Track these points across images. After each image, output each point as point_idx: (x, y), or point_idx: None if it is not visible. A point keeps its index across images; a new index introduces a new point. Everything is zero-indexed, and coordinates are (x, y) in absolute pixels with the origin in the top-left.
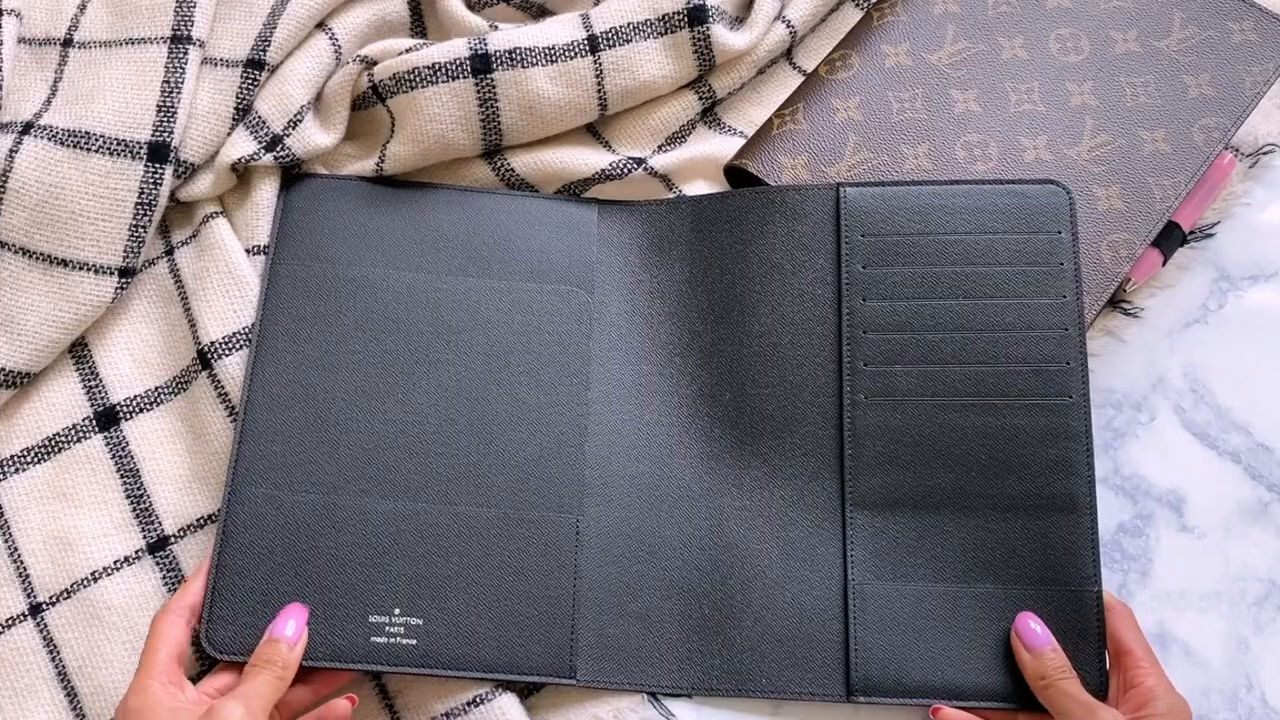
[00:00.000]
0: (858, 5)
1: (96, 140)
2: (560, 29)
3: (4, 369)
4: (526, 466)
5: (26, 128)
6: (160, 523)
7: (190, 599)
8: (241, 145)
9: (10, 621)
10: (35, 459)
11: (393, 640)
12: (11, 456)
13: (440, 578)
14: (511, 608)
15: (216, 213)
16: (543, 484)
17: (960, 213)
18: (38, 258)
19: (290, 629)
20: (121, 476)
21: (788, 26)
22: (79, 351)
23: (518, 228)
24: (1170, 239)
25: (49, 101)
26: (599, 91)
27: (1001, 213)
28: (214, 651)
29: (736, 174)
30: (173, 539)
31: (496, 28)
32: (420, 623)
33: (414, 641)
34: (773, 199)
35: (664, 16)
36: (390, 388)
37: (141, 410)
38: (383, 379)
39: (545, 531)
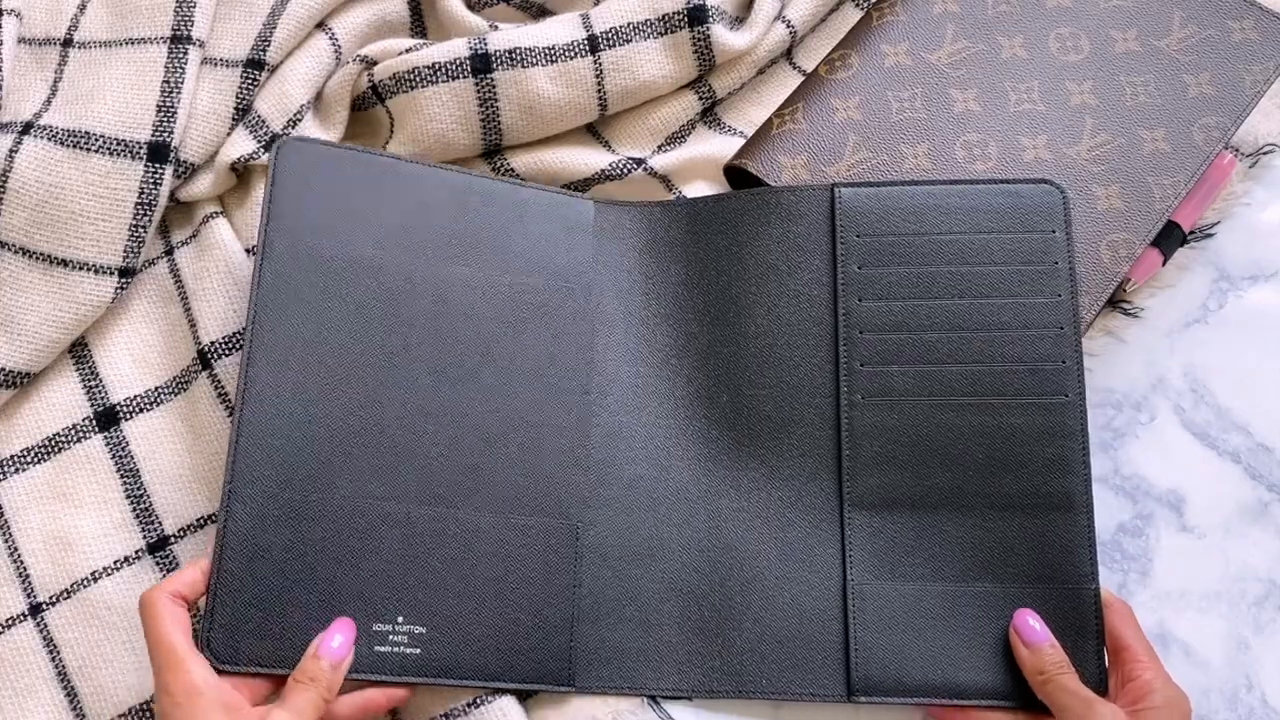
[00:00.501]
0: (858, 5)
1: (96, 140)
2: (560, 29)
3: (4, 369)
4: (523, 471)
5: (26, 128)
6: (160, 523)
7: (181, 586)
8: (241, 145)
9: (10, 621)
10: (35, 459)
11: (396, 649)
12: (11, 456)
13: (441, 584)
14: (511, 615)
15: (216, 213)
16: (540, 489)
17: (955, 212)
18: (38, 258)
19: (336, 643)
20: (121, 476)
21: (788, 26)
22: (79, 351)
23: (516, 219)
24: (1170, 239)
25: (49, 101)
26: (599, 91)
27: (996, 212)
28: (218, 664)
29: (736, 174)
30: (173, 539)
31: (496, 28)
32: (424, 631)
33: (418, 650)
34: (768, 200)
35: (664, 16)
36: (387, 383)
37: (141, 410)
38: (378, 374)
39: (543, 537)
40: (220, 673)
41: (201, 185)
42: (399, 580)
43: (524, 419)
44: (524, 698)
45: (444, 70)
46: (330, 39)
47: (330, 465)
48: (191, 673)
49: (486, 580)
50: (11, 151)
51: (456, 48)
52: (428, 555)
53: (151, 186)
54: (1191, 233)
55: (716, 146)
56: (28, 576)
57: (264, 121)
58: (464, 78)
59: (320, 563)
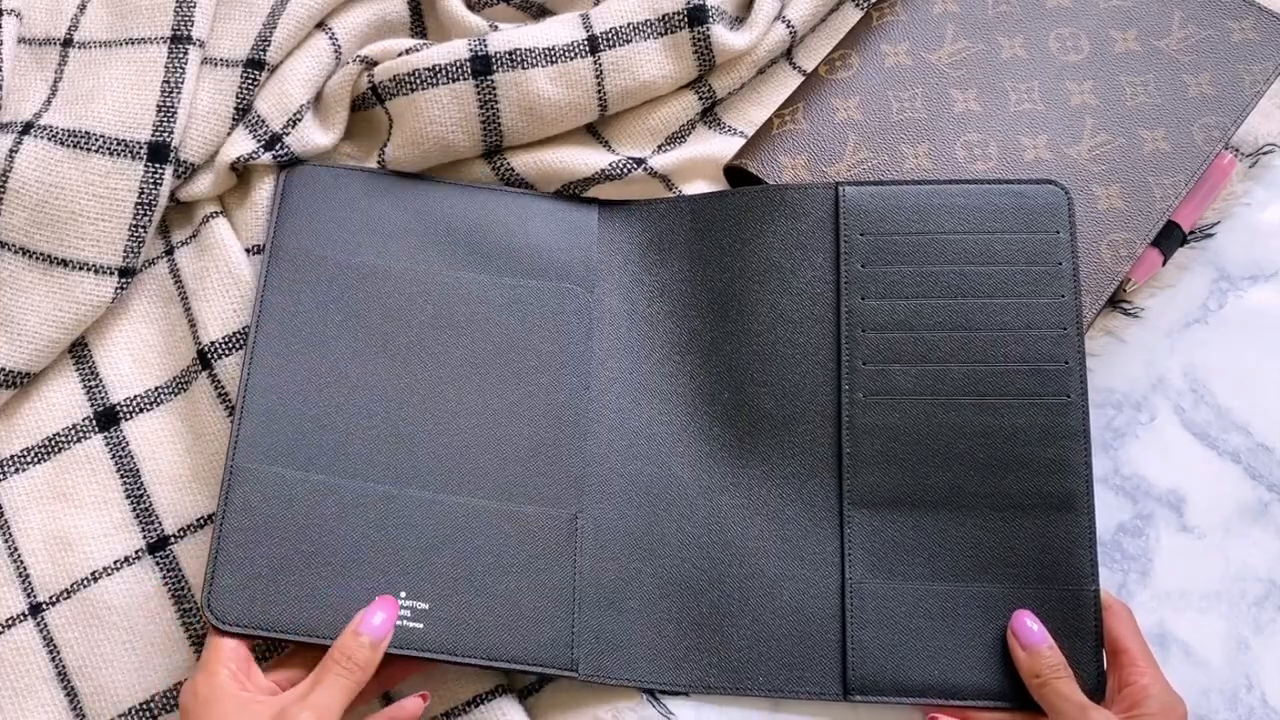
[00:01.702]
0: (858, 5)
1: (96, 140)
2: (560, 29)
3: (4, 369)
4: (525, 461)
5: (26, 128)
6: (160, 523)
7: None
8: (240, 144)
9: (10, 621)
10: (35, 459)
11: (401, 623)
12: (11, 456)
13: (444, 564)
14: (514, 599)
15: (216, 213)
16: (541, 479)
17: (959, 212)
18: (38, 258)
19: (378, 620)
20: (121, 476)
21: (788, 26)
22: (79, 351)
23: (519, 224)
24: (1170, 239)
25: (49, 101)
26: (599, 92)
27: (1000, 212)
28: (217, 622)
29: (736, 174)
30: (173, 539)
31: (496, 28)
32: (427, 607)
33: (421, 625)
34: (772, 198)
35: (664, 16)
36: (390, 376)
37: (141, 410)
38: (382, 367)
39: (544, 526)
40: (220, 633)
41: (201, 185)
42: (401, 556)
43: (524, 414)
44: (525, 696)
45: (444, 72)
46: (330, 39)
47: (331, 448)
48: (219, 669)
49: (486, 561)
50: (11, 151)
51: (456, 49)
52: (428, 534)
53: (151, 186)
54: (1191, 233)
55: (717, 146)
56: (28, 576)
57: (264, 121)
58: (464, 79)
59: (322, 535)
